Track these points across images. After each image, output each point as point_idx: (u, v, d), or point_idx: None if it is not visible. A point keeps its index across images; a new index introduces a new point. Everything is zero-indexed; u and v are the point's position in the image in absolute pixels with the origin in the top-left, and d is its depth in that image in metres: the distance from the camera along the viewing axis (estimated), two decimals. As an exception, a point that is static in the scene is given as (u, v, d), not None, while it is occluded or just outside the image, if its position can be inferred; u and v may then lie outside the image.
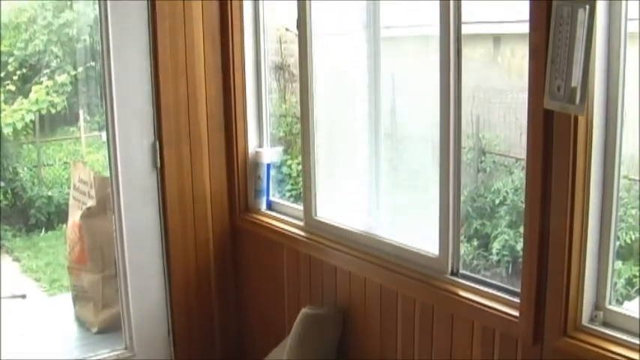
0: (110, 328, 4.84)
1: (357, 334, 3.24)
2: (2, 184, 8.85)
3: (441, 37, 2.71)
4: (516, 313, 2.48)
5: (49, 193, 8.94)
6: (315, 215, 3.47)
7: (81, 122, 9.58)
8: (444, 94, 2.73)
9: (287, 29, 5.44)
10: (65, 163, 9.55)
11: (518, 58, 3.83)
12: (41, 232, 8.72)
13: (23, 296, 6.73)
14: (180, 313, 3.94)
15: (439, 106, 2.75)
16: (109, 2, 3.60)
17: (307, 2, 3.36)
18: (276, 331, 3.70)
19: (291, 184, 5.06)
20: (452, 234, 2.80)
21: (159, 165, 3.76)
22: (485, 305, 2.60)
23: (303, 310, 3.32)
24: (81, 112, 9.52)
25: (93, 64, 9.07)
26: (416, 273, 2.91)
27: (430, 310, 2.82)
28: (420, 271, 2.91)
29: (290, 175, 5.04)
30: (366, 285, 3.16)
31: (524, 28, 2.34)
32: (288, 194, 4.54)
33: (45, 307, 6.54)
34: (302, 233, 3.50)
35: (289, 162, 4.81)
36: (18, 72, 9.16)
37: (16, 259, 8.15)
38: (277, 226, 3.66)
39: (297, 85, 3.60)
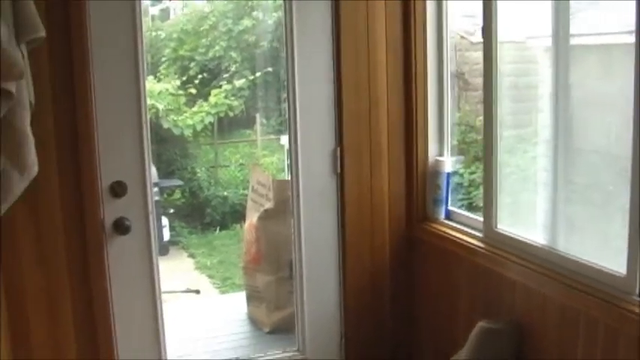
0: (281, 330, 4.94)
1: (533, 353, 3.15)
2: (181, 183, 9.21)
3: (637, 45, 2.58)
4: None
5: (225, 194, 9.24)
6: (496, 227, 3.41)
7: (257, 126, 9.84)
8: (638, 106, 2.60)
9: (462, 37, 5.39)
10: (241, 164, 9.83)
11: None
12: (215, 230, 9.02)
13: (197, 292, 6.98)
14: (353, 318, 3.97)
15: (632, 118, 2.62)
16: (294, 11, 3.68)
17: (493, 8, 3.31)
18: (449, 343, 3.65)
19: (463, 194, 4.99)
20: (642, 254, 2.67)
21: (339, 171, 3.81)
22: (677, 331, 2.48)
23: (480, 324, 3.25)
24: (257, 115, 9.78)
25: (270, 69, 9.28)
26: (600, 292, 2.78)
27: (615, 333, 2.69)
28: (604, 290, 2.78)
29: (462, 184, 4.99)
30: (545, 302, 3.06)
31: None
32: (459, 204, 4.48)
33: (218, 304, 6.75)
34: (481, 245, 3.45)
35: (461, 171, 4.75)
36: (199, 76, 9.50)
37: (191, 256, 8.46)
38: (455, 237, 3.61)
39: (471, 94, 3.54)
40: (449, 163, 3.85)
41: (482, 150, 3.48)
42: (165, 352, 3.75)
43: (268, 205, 5.04)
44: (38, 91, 2.97)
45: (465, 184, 5.13)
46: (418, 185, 3.88)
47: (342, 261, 3.91)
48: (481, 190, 4.40)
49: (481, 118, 4.29)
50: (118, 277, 3.56)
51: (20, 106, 2.65)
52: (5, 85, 2.51)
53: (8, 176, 2.68)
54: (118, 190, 3.49)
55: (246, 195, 6.93)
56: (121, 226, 3.48)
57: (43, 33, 2.74)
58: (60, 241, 3.39)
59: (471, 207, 4.65)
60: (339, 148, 3.80)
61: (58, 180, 3.34)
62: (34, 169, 2.80)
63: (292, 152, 3.82)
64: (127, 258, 3.57)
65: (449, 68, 3.88)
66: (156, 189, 7.24)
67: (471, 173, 5.26)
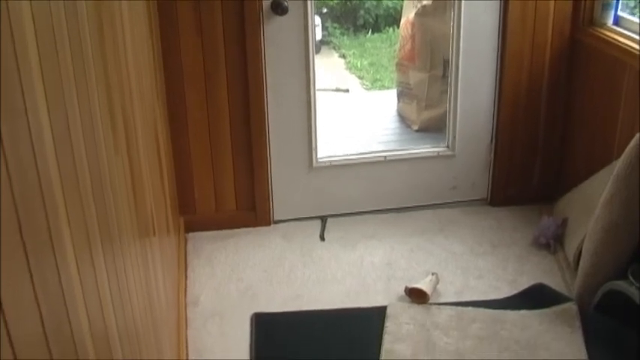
0: (430, 129, 4.93)
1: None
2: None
3: None
4: None
5: (380, -4, 9.09)
6: (668, 30, 3.21)
7: None
8: None
9: None
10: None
11: None
12: (368, 33, 8.95)
13: (346, 90, 7.04)
14: (505, 120, 3.89)
15: None
16: None
17: None
18: (602, 154, 3.55)
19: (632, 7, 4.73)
20: None
21: (504, -39, 3.64)
22: None
23: (639, 135, 3.11)
24: None
25: None
26: None
27: None
28: None
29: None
30: None
31: None
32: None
33: (367, 101, 6.79)
34: (650, 53, 3.26)
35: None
36: None
37: (342, 56, 8.48)
38: (623, 43, 3.41)
39: None
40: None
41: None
42: (316, 142, 3.82)
43: (426, 1, 4.90)
44: None
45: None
46: (588, -15, 3.66)
47: (500, 61, 3.80)
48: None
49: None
50: (273, 61, 3.59)
51: None
52: None
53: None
54: (277, -33, 3.46)
55: (402, -1, 6.80)
56: (279, 6, 3.47)
57: None
58: (218, 15, 3.42)
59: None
60: None
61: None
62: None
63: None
64: (283, 41, 3.58)
65: None
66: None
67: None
